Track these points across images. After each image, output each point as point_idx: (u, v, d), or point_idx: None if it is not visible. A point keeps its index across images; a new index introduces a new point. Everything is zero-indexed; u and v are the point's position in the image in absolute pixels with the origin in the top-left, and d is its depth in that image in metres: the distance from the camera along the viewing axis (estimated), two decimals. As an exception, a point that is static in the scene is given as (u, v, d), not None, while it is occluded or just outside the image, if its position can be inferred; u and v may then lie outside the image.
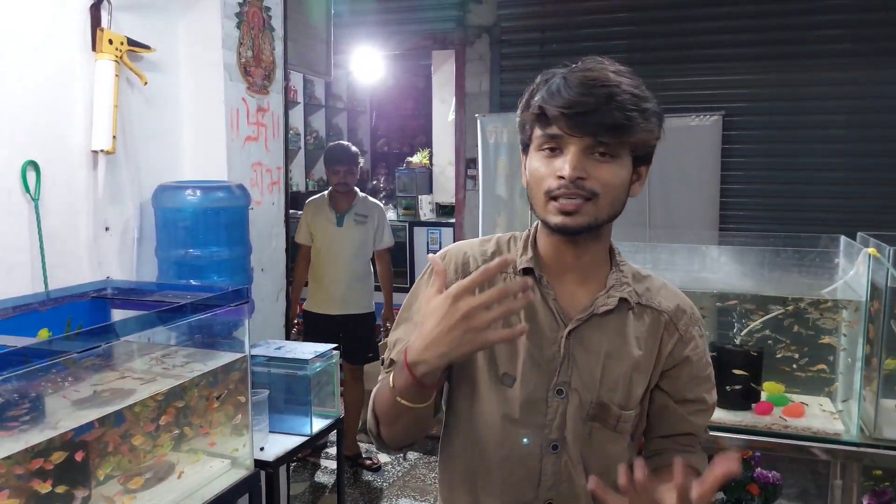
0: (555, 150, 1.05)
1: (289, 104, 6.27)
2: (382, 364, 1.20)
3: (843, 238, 2.22)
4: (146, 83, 2.33)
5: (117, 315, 2.05)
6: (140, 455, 1.76)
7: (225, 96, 2.55)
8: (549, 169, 1.06)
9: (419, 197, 5.72)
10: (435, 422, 1.20)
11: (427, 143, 6.50)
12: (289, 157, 6.41)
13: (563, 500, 1.12)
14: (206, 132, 2.57)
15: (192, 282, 2.32)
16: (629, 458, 1.16)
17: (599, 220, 1.07)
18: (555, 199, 1.05)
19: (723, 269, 2.17)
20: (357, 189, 4.14)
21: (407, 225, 5.50)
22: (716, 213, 4.53)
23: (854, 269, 2.00)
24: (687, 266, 2.19)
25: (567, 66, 1.08)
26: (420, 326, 0.98)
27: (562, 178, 1.03)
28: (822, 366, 2.17)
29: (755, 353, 2.12)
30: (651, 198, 4.60)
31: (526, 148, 1.12)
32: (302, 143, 6.48)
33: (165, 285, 2.23)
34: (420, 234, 5.48)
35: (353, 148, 4.17)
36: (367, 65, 6.45)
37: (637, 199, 4.05)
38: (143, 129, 2.40)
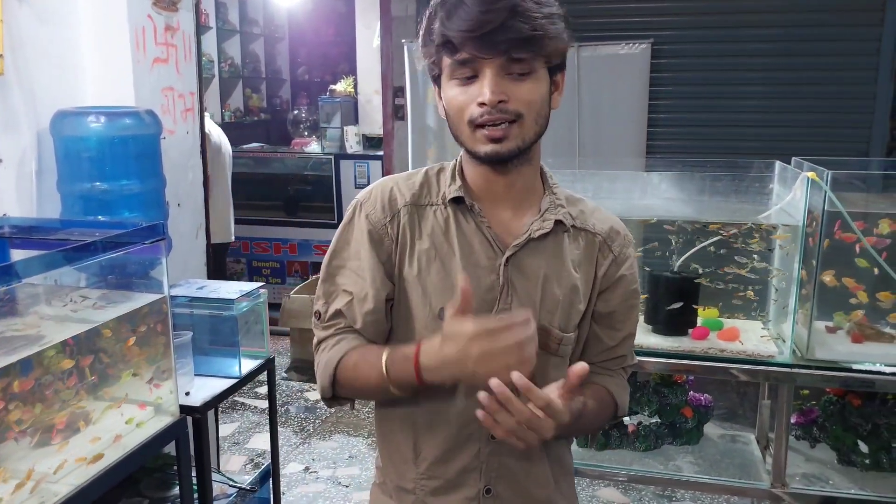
0: (470, 77, 1.00)
1: (201, 28, 5.89)
2: (319, 317, 1.13)
3: (777, 163, 2.22)
4: (35, -5, 2.08)
5: (17, 256, 1.87)
6: (53, 406, 1.62)
7: (128, 12, 2.31)
8: (467, 96, 1.00)
9: (344, 128, 5.51)
10: None
11: (351, 72, 6.24)
12: (202, 85, 6.05)
13: None
14: (108, 53, 2.33)
15: (101, 218, 2.13)
16: None
17: (527, 140, 1.03)
18: (481, 126, 1.01)
19: (663, 195, 2.14)
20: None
21: (332, 158, 5.30)
22: (643, 141, 4.54)
23: (791, 194, 2.00)
24: (625, 194, 2.15)
25: None
26: (443, 343, 0.95)
27: (483, 104, 0.99)
28: (750, 292, 2.19)
29: (690, 280, 2.12)
30: (581, 126, 4.57)
31: (437, 79, 1.07)
32: (216, 71, 6.12)
33: (70, 222, 2.04)
34: (347, 167, 5.30)
35: None
36: (285, -13, 6.09)
37: (567, 127, 4.03)
38: (35, 48, 2.15)
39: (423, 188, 1.13)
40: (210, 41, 6.11)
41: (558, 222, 1.11)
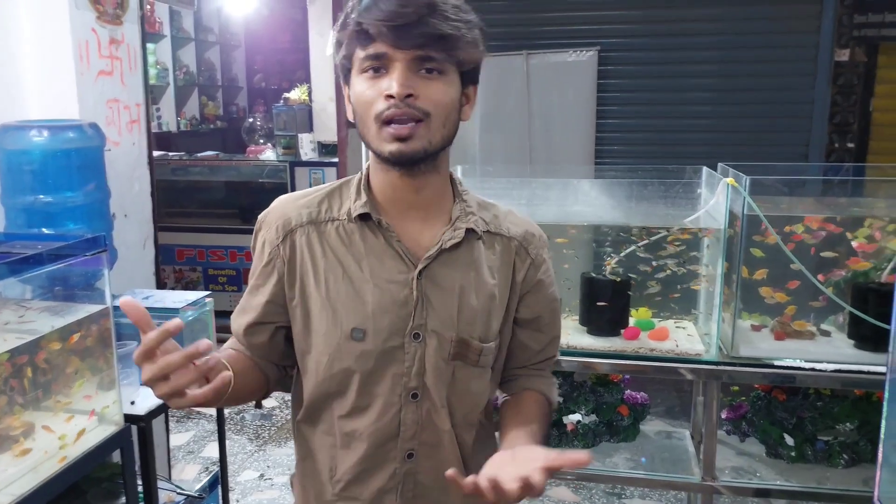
0: (379, 69, 0.98)
1: (154, 37, 5.87)
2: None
3: (704, 169, 2.32)
4: (-26, 10, 2.09)
5: (-42, 270, 1.87)
6: (-6, 417, 1.64)
7: (71, 26, 2.33)
8: (375, 90, 0.98)
9: (299, 135, 5.51)
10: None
11: (307, 79, 6.26)
12: (156, 94, 6.02)
13: (426, 449, 1.10)
14: (51, 66, 2.35)
15: (45, 230, 2.15)
16: (491, 393, 1.17)
17: (434, 143, 1.00)
18: (387, 123, 0.98)
19: (594, 202, 2.22)
20: None
21: (287, 165, 5.31)
22: (592, 147, 4.65)
23: (714, 199, 2.10)
24: (561, 200, 2.23)
25: None
26: None
27: (391, 97, 0.96)
28: (690, 286, 2.28)
29: (622, 283, 2.20)
30: (532, 133, 4.65)
31: (347, 74, 1.03)
32: (171, 80, 6.09)
33: (13, 235, 2.05)
34: (302, 174, 5.31)
35: None
36: (239, -5, 6.10)
37: (518, 134, 4.15)
38: (-25, 62, 2.16)
39: (323, 205, 1.10)
40: (164, 49, 6.08)
41: (470, 230, 1.09)
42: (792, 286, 2.13)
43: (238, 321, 1.14)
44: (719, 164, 2.23)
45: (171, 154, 5.59)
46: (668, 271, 2.22)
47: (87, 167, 2.23)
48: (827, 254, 2.08)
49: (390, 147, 0.98)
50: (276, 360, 1.16)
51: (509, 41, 4.66)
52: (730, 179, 1.96)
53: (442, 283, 1.07)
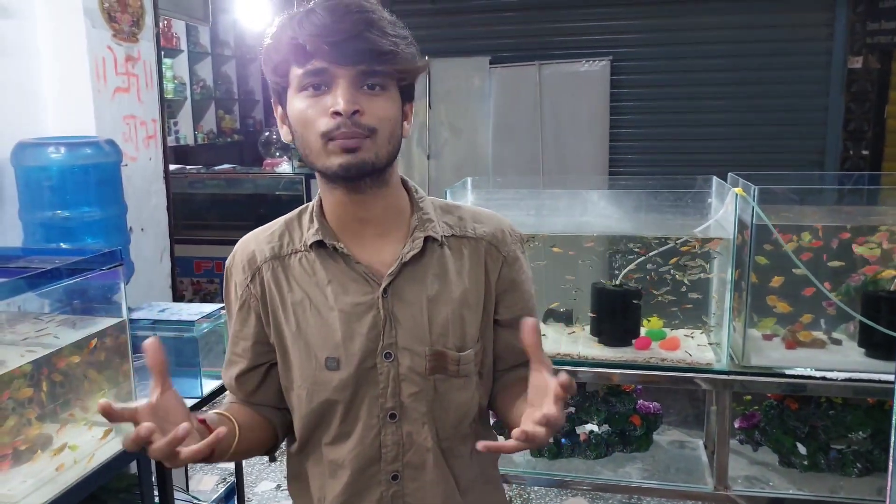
0: (320, 86, 0.95)
1: (172, 52, 5.96)
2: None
3: (714, 179, 2.32)
4: (-6, 31, 2.14)
5: (-22, 284, 1.92)
6: (14, 428, 1.67)
7: (88, 44, 2.38)
8: (318, 108, 0.95)
9: (314, 148, 5.57)
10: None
11: (322, 92, 6.32)
12: (173, 108, 6.10)
13: (410, 470, 1.07)
14: (69, 84, 2.39)
15: (63, 245, 2.19)
16: (482, 399, 1.12)
17: (380, 157, 0.97)
18: (333, 139, 0.94)
19: (604, 212, 2.23)
20: None
21: (303, 178, 5.36)
22: (605, 157, 4.66)
23: (724, 209, 2.10)
24: (570, 211, 2.25)
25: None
26: None
27: (337, 113, 0.93)
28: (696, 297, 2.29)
29: (633, 293, 2.21)
30: (544, 143, 4.67)
31: (282, 94, 1.01)
32: (188, 94, 6.19)
33: (31, 250, 2.09)
34: (317, 187, 5.37)
35: None
36: (254, 8, 6.17)
37: (530, 144, 4.17)
38: (-5, 81, 2.21)
39: (283, 237, 1.09)
40: (181, 64, 6.18)
41: (431, 239, 1.06)
42: (808, 293, 2.13)
43: (228, 373, 1.14)
44: (729, 174, 2.24)
45: (188, 167, 5.67)
46: (684, 280, 2.22)
47: (105, 182, 2.27)
48: (834, 263, 2.07)
49: (339, 160, 0.95)
50: (274, 403, 1.14)
51: (522, 52, 4.69)
52: (738, 189, 1.96)
53: (408, 298, 1.04)
